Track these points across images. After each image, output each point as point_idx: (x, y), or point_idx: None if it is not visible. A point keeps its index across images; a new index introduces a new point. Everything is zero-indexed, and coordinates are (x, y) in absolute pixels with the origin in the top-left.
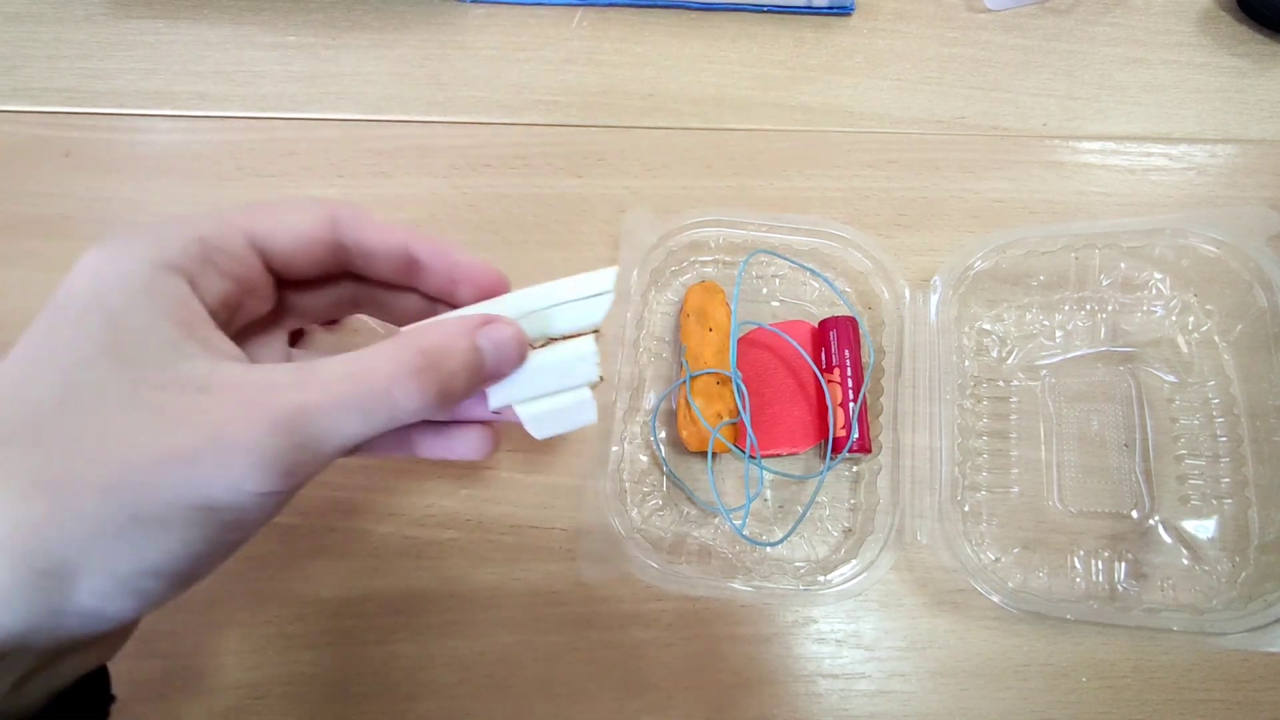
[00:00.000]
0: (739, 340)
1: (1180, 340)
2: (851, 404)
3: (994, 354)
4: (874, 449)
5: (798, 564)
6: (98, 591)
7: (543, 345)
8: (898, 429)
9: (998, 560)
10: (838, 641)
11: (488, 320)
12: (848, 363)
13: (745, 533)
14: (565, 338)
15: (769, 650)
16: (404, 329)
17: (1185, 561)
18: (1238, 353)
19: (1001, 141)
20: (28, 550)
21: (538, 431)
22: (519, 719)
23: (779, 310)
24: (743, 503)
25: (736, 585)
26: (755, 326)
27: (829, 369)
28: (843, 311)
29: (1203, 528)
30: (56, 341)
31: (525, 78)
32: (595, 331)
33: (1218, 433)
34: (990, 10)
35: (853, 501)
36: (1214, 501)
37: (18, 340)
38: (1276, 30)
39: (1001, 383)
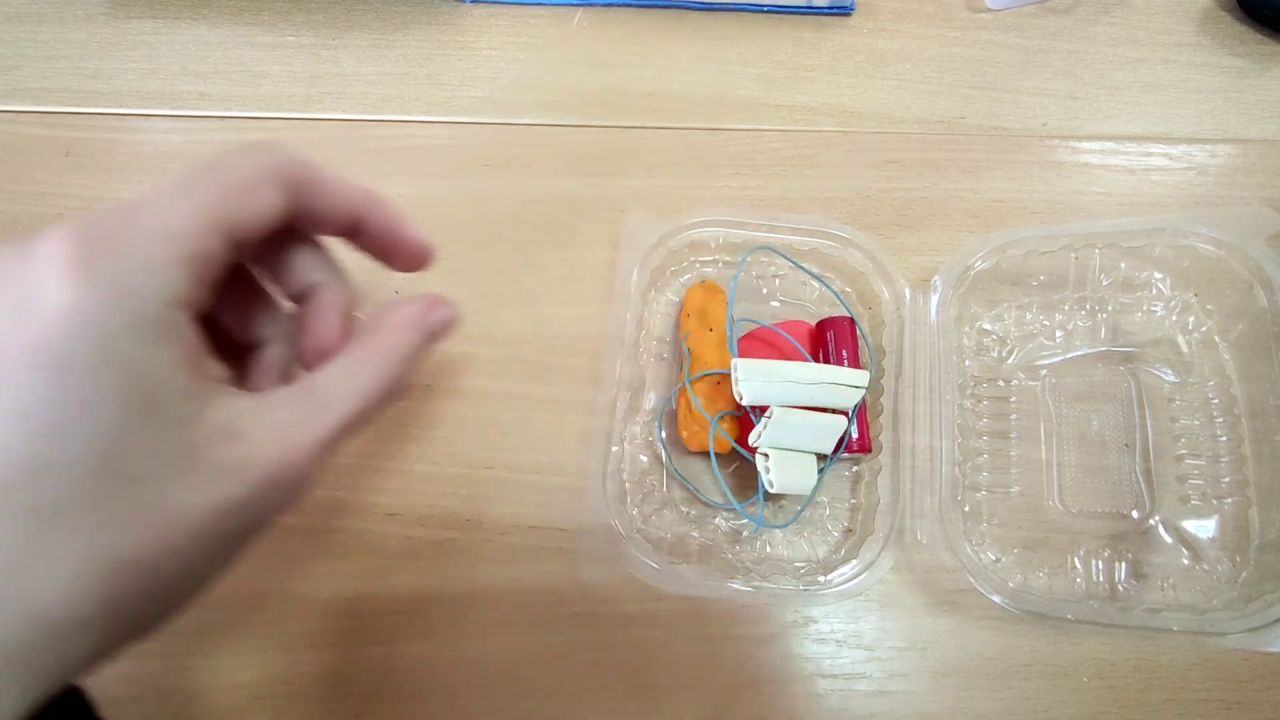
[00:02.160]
0: (740, 339)
1: (1180, 340)
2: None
3: (994, 354)
4: (874, 449)
5: (798, 564)
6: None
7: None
8: (898, 429)
9: (998, 560)
10: (838, 642)
11: (435, 328)
12: (845, 362)
13: (753, 524)
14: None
15: (769, 650)
16: (372, 332)
17: (1185, 561)
18: (1238, 353)
19: (1001, 141)
20: (119, 624)
21: (776, 486)
22: (519, 719)
23: (779, 310)
24: (742, 503)
25: (736, 585)
26: (755, 325)
27: None
28: (841, 312)
29: (1203, 528)
30: (73, 403)
31: (525, 78)
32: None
33: (1218, 433)
34: (990, 10)
35: (853, 501)
36: (1214, 501)
37: None
38: (1276, 30)
39: (1001, 383)
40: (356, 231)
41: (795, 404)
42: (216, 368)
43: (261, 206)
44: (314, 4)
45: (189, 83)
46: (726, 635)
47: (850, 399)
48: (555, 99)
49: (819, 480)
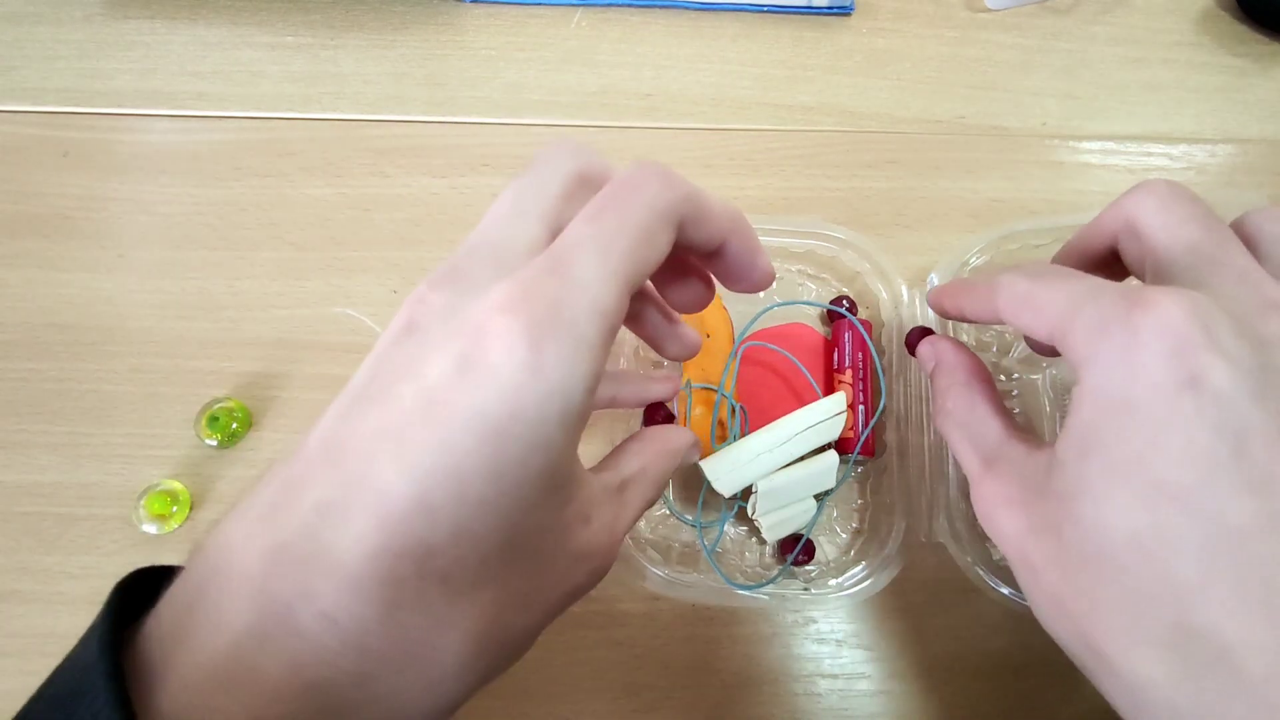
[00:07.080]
0: (742, 365)
1: None
2: (862, 405)
3: (993, 350)
4: (878, 450)
5: (808, 568)
6: None
7: (790, 465)
8: (901, 429)
9: (1003, 560)
10: (838, 641)
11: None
12: (860, 364)
13: (766, 544)
14: (806, 456)
15: (769, 650)
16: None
17: None
18: None
19: (1001, 141)
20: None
21: (771, 537)
22: (517, 719)
23: (777, 311)
24: (747, 503)
25: (739, 589)
26: (755, 346)
27: (840, 369)
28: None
29: None
30: (502, 478)
31: (524, 77)
32: (830, 447)
33: None
34: (990, 10)
35: (859, 502)
36: None
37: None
38: (1276, 30)
39: (1002, 378)
40: (712, 257)
41: (776, 468)
42: None
43: (657, 258)
44: (312, 4)
45: (187, 83)
46: (726, 635)
47: (832, 430)
48: (555, 99)
49: (817, 514)
